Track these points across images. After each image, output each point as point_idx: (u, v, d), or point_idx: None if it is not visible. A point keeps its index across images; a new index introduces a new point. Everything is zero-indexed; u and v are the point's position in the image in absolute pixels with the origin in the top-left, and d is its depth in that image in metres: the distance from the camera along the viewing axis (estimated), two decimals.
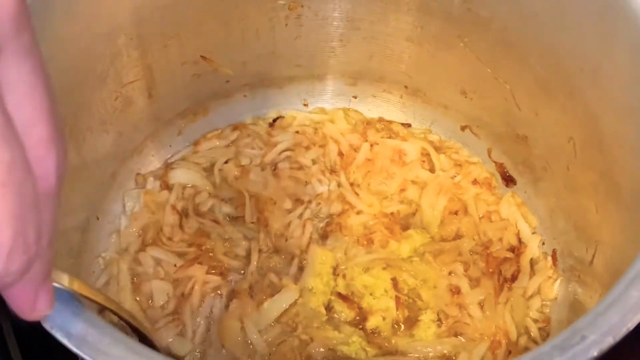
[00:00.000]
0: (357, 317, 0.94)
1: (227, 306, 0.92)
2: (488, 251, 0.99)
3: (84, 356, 0.56)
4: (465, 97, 1.06)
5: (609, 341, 0.58)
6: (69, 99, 0.83)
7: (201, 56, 1.01)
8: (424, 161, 1.07)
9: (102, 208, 0.99)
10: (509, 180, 1.06)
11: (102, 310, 0.68)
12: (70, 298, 0.58)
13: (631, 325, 0.59)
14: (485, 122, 1.07)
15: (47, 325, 0.57)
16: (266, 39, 1.04)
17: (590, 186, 0.89)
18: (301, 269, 0.96)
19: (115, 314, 0.68)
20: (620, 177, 0.82)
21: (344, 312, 0.94)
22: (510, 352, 0.92)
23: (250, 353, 0.90)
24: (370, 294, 0.94)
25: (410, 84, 1.11)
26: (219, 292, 0.94)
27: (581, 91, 0.86)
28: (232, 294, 0.93)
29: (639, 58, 0.75)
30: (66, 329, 0.57)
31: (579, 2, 0.81)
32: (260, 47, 1.04)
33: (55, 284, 0.55)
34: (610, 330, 0.58)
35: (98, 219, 0.98)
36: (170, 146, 1.07)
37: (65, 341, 0.56)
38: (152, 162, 1.06)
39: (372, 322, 0.93)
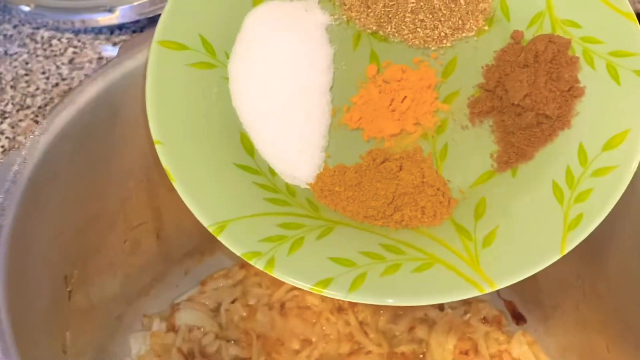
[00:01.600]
0: None
1: None
2: None
3: None
4: None
5: None
6: (78, 244, 0.84)
7: None
8: None
9: (107, 350, 0.97)
10: (519, 318, 1.05)
11: None
12: None
13: None
14: None
15: None
16: None
17: (600, 325, 0.88)
18: None
19: None
20: (630, 317, 0.82)
21: None
22: None
23: None
24: None
25: None
26: None
27: None
28: None
29: None
30: None
31: None
32: None
33: None
34: None
35: None
36: (177, 286, 1.06)
37: None
38: (159, 303, 1.04)
39: None
